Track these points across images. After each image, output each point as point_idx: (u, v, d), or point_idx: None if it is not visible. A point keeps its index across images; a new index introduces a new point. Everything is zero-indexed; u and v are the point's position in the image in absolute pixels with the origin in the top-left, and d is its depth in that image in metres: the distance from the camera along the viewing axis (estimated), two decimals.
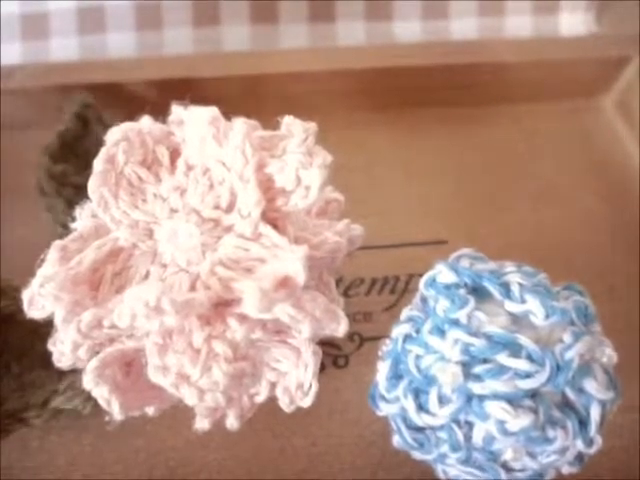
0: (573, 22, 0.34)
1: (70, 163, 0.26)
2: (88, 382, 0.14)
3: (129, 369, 0.14)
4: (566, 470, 0.16)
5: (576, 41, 0.31)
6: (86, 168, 0.26)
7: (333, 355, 0.22)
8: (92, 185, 0.15)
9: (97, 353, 0.15)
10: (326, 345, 0.20)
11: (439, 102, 0.30)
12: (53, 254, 0.15)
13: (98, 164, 0.16)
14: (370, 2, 0.34)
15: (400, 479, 0.20)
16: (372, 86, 0.29)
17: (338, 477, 0.20)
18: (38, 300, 0.14)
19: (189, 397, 0.13)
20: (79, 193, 0.25)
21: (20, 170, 0.27)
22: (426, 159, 0.28)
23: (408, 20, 0.34)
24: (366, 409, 0.20)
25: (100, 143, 0.26)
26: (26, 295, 0.15)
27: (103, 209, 0.15)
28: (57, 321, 0.14)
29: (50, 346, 0.15)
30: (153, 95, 0.28)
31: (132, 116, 0.18)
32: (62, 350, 0.14)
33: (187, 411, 0.18)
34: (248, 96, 0.28)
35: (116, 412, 0.14)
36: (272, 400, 0.18)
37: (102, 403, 0.14)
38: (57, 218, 0.24)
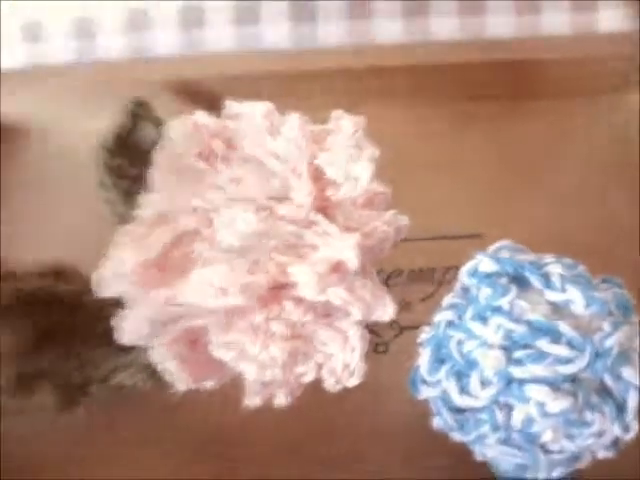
0: (612, 19, 0.34)
1: (125, 157, 0.28)
2: (158, 356, 0.15)
3: (193, 345, 0.16)
4: (602, 455, 0.16)
5: (611, 37, 0.31)
6: (139, 161, 0.28)
7: (373, 342, 0.23)
8: (155, 175, 0.17)
9: (160, 332, 0.16)
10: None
11: (475, 98, 0.30)
12: (123, 239, 0.16)
13: (161, 156, 0.17)
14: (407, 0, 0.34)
15: (435, 463, 0.21)
16: (409, 83, 0.30)
17: (379, 457, 0.21)
18: (108, 281, 0.16)
19: (249, 372, 0.14)
20: (134, 185, 0.27)
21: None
22: (462, 155, 0.29)
23: (445, 16, 0.34)
24: (404, 394, 0.22)
25: (150, 138, 0.28)
26: (96, 277, 0.16)
27: (167, 197, 0.16)
28: (128, 300, 0.15)
29: (116, 324, 0.17)
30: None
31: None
32: (130, 328, 0.16)
33: (240, 389, 0.19)
34: (289, 94, 0.29)
35: (182, 384, 0.15)
36: (317, 382, 0.19)
37: (170, 376, 0.15)
38: (115, 209, 0.26)
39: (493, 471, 0.18)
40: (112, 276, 0.15)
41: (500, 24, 0.35)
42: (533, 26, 0.34)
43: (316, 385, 0.19)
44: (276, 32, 0.34)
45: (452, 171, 0.28)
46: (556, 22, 0.34)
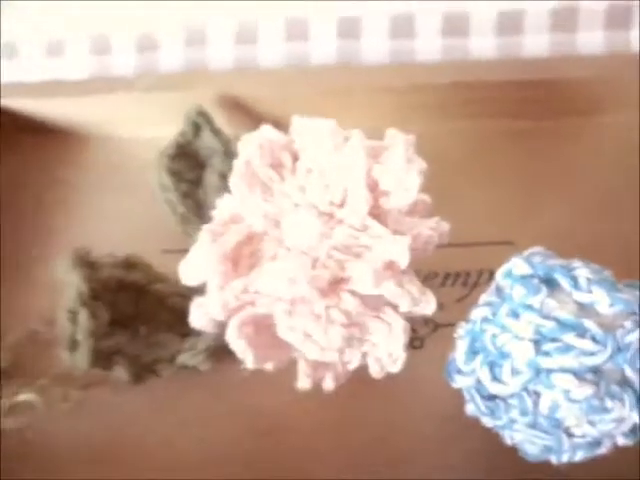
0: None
1: (184, 162, 0.31)
2: (230, 336, 0.17)
3: (259, 330, 0.18)
4: (621, 442, 0.18)
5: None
6: (197, 167, 0.31)
7: (410, 338, 0.25)
8: (233, 181, 0.19)
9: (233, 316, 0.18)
10: None
11: (509, 114, 0.32)
12: (205, 235, 0.18)
13: (238, 165, 0.19)
14: (447, 18, 0.36)
15: (467, 448, 0.23)
16: (448, 99, 0.32)
17: (412, 445, 0.23)
18: (192, 271, 0.18)
19: (311, 352, 0.17)
20: (192, 188, 0.30)
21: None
22: (496, 167, 0.30)
23: (483, 36, 0.36)
24: (438, 386, 0.24)
25: (209, 146, 0.31)
26: (183, 266, 0.18)
27: (241, 201, 0.19)
28: (210, 287, 0.18)
29: (194, 308, 0.19)
30: None
31: None
32: (208, 311, 0.18)
33: (286, 377, 0.21)
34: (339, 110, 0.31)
35: (249, 362, 0.18)
36: (358, 372, 0.21)
37: (240, 355, 0.18)
38: (175, 209, 0.29)
39: (521, 454, 0.20)
40: (195, 266, 0.18)
41: (536, 43, 0.37)
42: (568, 44, 0.36)
43: (358, 376, 0.21)
44: (323, 49, 0.37)
45: (488, 183, 0.29)
46: (590, 41, 0.36)
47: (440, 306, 0.26)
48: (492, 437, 0.20)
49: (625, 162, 0.30)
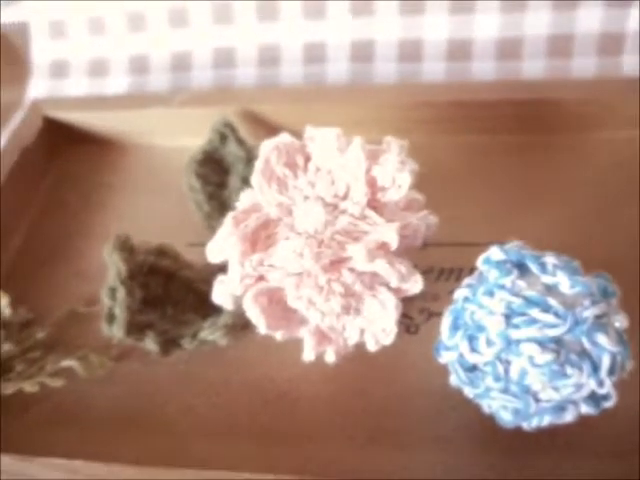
0: (635, 63, 0.39)
1: (211, 167, 0.35)
2: (246, 305, 0.21)
3: (271, 301, 0.21)
4: (584, 410, 0.21)
5: (630, 82, 0.35)
6: (222, 172, 0.35)
7: (406, 324, 0.28)
8: (254, 177, 0.23)
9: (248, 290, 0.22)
10: (402, 316, 0.26)
11: (505, 130, 0.35)
12: (229, 220, 0.22)
13: (259, 163, 0.23)
14: (452, 44, 0.40)
15: (452, 417, 0.25)
16: (450, 116, 0.35)
17: (405, 418, 0.26)
18: (217, 249, 0.22)
19: (314, 317, 0.20)
20: (218, 190, 0.34)
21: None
22: (492, 177, 0.33)
23: (484, 60, 0.40)
24: (430, 366, 0.26)
25: (233, 153, 0.34)
26: (209, 246, 0.22)
27: (260, 193, 0.22)
28: (231, 263, 0.21)
29: (216, 285, 0.23)
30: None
31: None
32: (228, 286, 0.22)
33: (293, 352, 0.24)
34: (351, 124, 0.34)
35: (262, 328, 0.21)
36: (359, 352, 0.23)
37: (254, 320, 0.21)
38: (201, 207, 0.33)
39: (498, 422, 0.22)
40: (220, 246, 0.21)
41: (533, 67, 0.40)
42: (562, 68, 0.39)
43: (359, 355, 0.24)
44: (337, 70, 0.40)
45: (483, 191, 0.32)
46: (584, 66, 0.39)
47: (434, 297, 0.29)
48: (477, 412, 0.23)
49: (614, 175, 0.33)
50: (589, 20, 0.38)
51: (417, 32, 0.40)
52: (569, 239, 0.30)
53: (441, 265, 0.30)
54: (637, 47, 0.37)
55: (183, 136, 0.37)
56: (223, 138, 0.35)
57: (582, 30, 0.38)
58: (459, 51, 0.39)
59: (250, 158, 0.32)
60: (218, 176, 0.34)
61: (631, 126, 0.34)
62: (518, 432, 0.22)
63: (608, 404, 0.21)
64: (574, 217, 0.31)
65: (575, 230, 0.31)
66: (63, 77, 0.45)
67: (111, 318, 0.26)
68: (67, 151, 0.38)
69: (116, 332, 0.25)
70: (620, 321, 0.20)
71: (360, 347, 0.24)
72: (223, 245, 0.21)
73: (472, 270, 0.30)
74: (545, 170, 0.34)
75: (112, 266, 0.26)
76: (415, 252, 0.24)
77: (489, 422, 0.22)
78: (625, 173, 0.33)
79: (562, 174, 0.33)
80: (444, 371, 0.23)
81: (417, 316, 0.28)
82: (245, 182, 0.30)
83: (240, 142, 0.34)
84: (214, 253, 0.22)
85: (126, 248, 0.27)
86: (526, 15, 0.38)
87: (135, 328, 0.26)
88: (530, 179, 0.33)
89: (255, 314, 0.20)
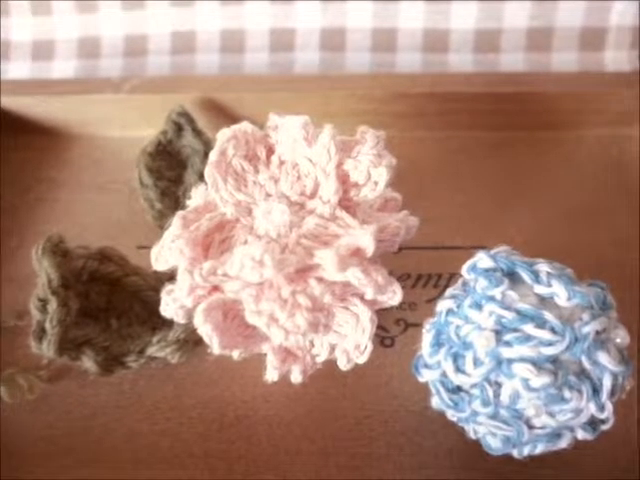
0: (617, 59, 0.37)
1: (164, 160, 0.31)
2: (197, 320, 0.18)
3: (228, 315, 0.18)
4: (581, 435, 0.18)
5: (613, 76, 0.34)
6: (177, 166, 0.31)
7: (381, 336, 0.25)
8: (208, 171, 0.20)
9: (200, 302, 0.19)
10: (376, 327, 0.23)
11: (484, 126, 0.33)
12: (177, 221, 0.19)
13: (213, 155, 0.20)
14: (428, 34, 0.38)
15: (433, 443, 0.23)
16: (425, 109, 0.33)
17: (379, 438, 0.23)
18: (163, 255, 0.18)
19: (276, 336, 0.17)
20: (171, 186, 0.30)
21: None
22: (470, 175, 0.31)
23: (461, 52, 0.38)
24: (407, 382, 0.24)
25: (189, 146, 0.31)
26: (154, 252, 0.19)
27: (215, 190, 0.19)
28: (179, 270, 0.18)
29: (164, 295, 0.19)
30: None
31: None
32: (176, 297, 0.18)
33: (255, 370, 0.21)
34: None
35: (215, 347, 0.18)
36: (327, 368, 0.21)
37: (206, 339, 0.18)
38: (152, 205, 0.29)
39: (484, 448, 0.20)
40: (166, 251, 0.18)
41: (512, 60, 0.38)
42: (543, 63, 0.37)
43: (327, 372, 0.21)
44: (306, 59, 0.38)
45: (462, 190, 0.30)
46: (565, 60, 0.38)
47: (411, 306, 0.27)
48: (460, 434, 0.20)
49: (596, 173, 0.31)
50: (571, 13, 0.36)
51: (392, 21, 0.37)
52: (555, 239, 0.28)
53: (418, 271, 0.27)
54: (620, 42, 0.36)
55: (135, 126, 0.33)
56: (179, 129, 0.31)
57: (563, 23, 0.37)
58: (436, 42, 0.37)
59: (209, 151, 0.28)
60: (172, 171, 0.31)
61: (617, 122, 0.32)
62: (508, 458, 0.20)
63: (606, 427, 0.18)
64: (559, 216, 0.30)
65: (560, 230, 0.29)
66: (4, 59, 0.40)
67: (41, 334, 0.22)
68: (3, 141, 0.34)
69: (46, 350, 0.22)
70: (622, 337, 0.18)
71: (329, 362, 0.21)
72: (169, 250, 0.18)
73: (452, 276, 0.28)
74: (527, 167, 0.32)
75: (42, 273, 0.22)
76: (389, 256, 0.22)
77: (475, 446, 0.20)
78: (610, 170, 0.31)
79: (545, 171, 0.32)
80: (424, 389, 0.21)
81: (393, 327, 0.26)
82: (202, 178, 0.27)
83: (198, 133, 0.31)
84: (160, 259, 0.19)
85: (59, 252, 0.23)
86: (506, 6, 0.36)
87: (70, 345, 0.23)
88: (512, 177, 0.31)
89: (207, 331, 0.17)
